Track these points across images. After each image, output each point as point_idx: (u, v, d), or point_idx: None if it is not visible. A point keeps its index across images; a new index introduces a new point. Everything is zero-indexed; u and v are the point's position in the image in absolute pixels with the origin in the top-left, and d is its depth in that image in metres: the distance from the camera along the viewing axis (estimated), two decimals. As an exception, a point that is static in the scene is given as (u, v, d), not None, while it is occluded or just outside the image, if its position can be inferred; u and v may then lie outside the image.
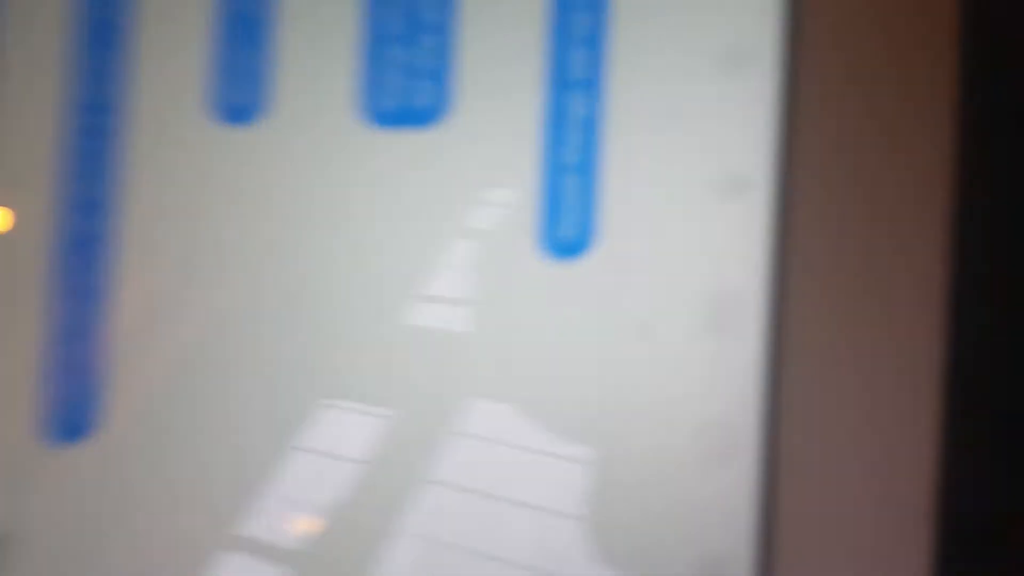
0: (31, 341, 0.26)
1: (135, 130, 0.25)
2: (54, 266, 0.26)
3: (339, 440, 0.24)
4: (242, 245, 0.25)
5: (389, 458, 0.24)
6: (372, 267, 0.24)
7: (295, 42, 0.25)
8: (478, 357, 0.23)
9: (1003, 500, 0.23)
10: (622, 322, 0.23)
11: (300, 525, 0.24)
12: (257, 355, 0.24)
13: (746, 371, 0.22)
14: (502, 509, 0.23)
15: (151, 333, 0.25)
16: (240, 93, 0.25)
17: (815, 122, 0.22)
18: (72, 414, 0.25)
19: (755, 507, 0.22)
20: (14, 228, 0.26)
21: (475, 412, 0.23)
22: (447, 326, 0.24)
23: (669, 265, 0.22)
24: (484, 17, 0.24)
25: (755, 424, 0.22)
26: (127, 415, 0.25)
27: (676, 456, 0.22)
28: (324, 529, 0.24)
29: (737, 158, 0.22)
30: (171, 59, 0.25)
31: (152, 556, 0.25)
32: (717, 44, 0.22)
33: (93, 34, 0.26)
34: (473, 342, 0.23)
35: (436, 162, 0.24)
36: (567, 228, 0.23)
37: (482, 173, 0.24)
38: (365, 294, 0.24)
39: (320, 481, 0.24)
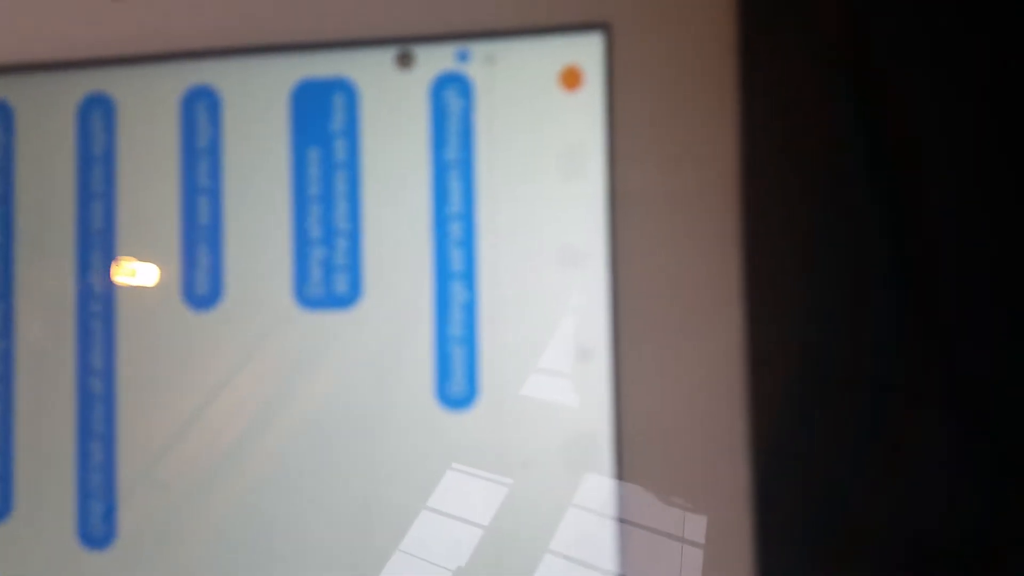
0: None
1: (126, 315, 0.32)
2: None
3: None
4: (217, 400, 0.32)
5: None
6: (320, 426, 0.31)
7: (244, 246, 0.32)
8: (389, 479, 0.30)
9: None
10: (502, 456, 0.30)
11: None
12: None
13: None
14: None
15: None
16: (204, 286, 0.32)
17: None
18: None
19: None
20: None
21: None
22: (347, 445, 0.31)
23: (535, 414, 0.30)
24: (383, 225, 0.31)
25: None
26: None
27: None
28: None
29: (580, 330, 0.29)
30: (153, 260, 0.32)
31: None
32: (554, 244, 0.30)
33: (83, 242, 0.33)
34: (380, 472, 0.30)
35: (355, 335, 0.31)
36: (456, 386, 0.30)
37: (389, 344, 0.31)
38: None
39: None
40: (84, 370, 0.32)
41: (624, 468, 0.29)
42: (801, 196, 0.29)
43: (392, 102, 0.31)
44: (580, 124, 0.30)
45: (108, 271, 0.32)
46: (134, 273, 0.32)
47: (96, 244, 0.32)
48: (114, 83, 0.33)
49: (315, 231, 0.31)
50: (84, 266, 0.32)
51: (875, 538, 0.29)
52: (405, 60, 0.31)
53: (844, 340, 0.29)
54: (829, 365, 0.29)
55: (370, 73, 0.31)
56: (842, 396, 0.29)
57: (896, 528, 0.29)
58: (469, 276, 0.30)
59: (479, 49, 0.31)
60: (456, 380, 0.30)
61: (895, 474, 0.29)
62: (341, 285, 0.31)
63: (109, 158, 0.32)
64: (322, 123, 0.31)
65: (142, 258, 0.32)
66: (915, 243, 0.29)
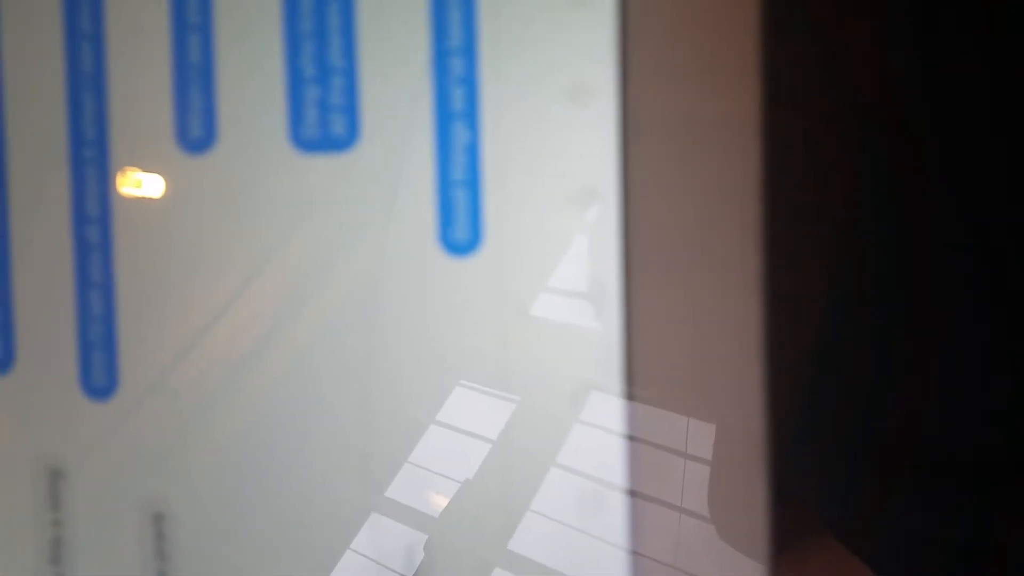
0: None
1: (116, 159, 0.31)
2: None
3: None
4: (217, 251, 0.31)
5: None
6: (319, 273, 0.30)
7: (236, 85, 0.30)
8: (389, 335, 0.30)
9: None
10: (508, 304, 0.29)
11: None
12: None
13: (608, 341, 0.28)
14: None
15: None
16: (197, 127, 0.30)
17: (648, 136, 0.28)
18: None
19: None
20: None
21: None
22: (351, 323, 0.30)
23: (541, 261, 0.28)
24: (382, 64, 0.29)
25: (617, 379, 0.28)
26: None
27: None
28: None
29: (587, 173, 0.28)
30: (143, 101, 0.31)
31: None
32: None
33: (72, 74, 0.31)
34: (389, 325, 0.30)
35: (353, 181, 0.30)
36: (460, 231, 0.29)
37: (389, 188, 0.29)
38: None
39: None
40: (80, 218, 0.31)
41: (632, 318, 0.28)
42: (829, 133, 0.27)
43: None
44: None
45: (100, 116, 0.31)
46: (126, 116, 0.31)
47: (86, 87, 0.31)
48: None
49: (309, 69, 0.30)
50: (76, 110, 0.31)
51: (900, 452, 0.28)
52: None
53: (876, 279, 0.28)
54: (856, 305, 0.28)
55: None
56: (865, 337, 0.28)
57: (918, 437, 0.28)
58: (471, 115, 0.29)
59: None
60: (459, 225, 0.29)
61: (923, 394, 0.28)
62: (338, 127, 0.30)
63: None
64: (313, -49, 0.29)
65: (133, 100, 0.31)
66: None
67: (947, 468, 0.28)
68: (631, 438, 0.28)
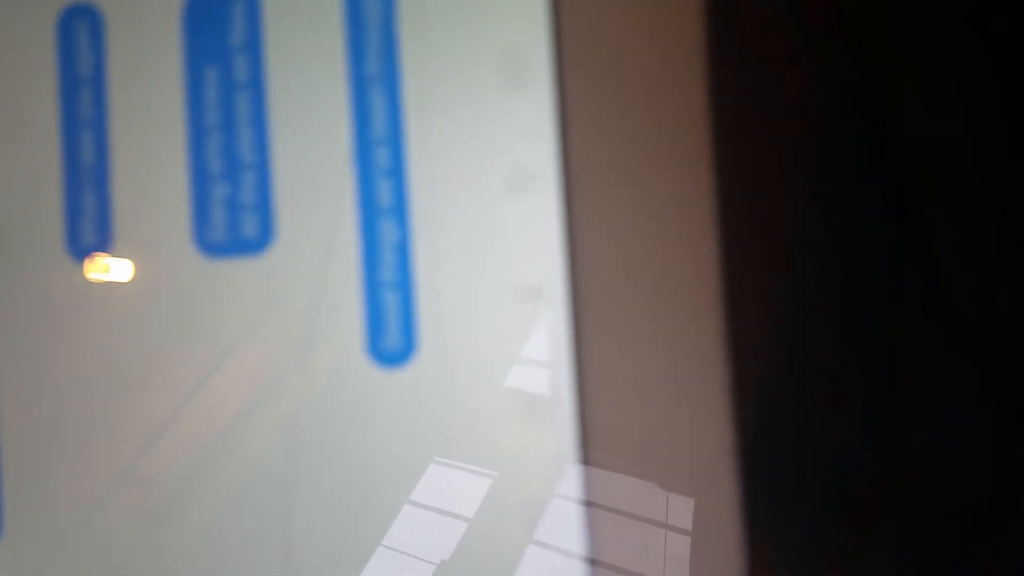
0: None
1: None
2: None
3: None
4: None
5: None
6: (232, 397, 0.26)
7: (134, 186, 0.27)
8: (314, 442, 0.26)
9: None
10: (451, 416, 0.26)
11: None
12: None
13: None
14: None
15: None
16: (90, 232, 0.27)
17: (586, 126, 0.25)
18: None
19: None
20: None
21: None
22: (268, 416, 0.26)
23: (484, 367, 0.25)
24: (297, 155, 0.26)
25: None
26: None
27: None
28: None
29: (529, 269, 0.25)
30: (30, 204, 0.27)
31: None
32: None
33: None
34: (311, 436, 0.26)
35: (267, 285, 0.26)
36: (391, 339, 0.26)
37: (309, 294, 0.26)
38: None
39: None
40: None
41: (587, 427, 0.25)
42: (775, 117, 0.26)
43: (299, 6, 0.26)
44: (522, 23, 0.25)
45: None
46: (11, 221, 0.27)
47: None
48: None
49: (215, 165, 0.27)
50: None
51: (868, 497, 0.26)
52: (314, -42, 0.26)
53: (832, 278, 0.26)
54: (815, 312, 0.26)
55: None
56: (830, 341, 0.26)
57: (891, 487, 0.26)
58: (400, 211, 0.26)
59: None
60: (390, 333, 0.26)
61: (895, 432, 0.26)
62: (249, 227, 0.26)
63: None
64: (219, 37, 0.27)
65: (14, 203, 0.27)
66: (913, 179, 0.26)
67: (913, 515, 0.26)
68: (600, 508, 0.25)
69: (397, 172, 0.26)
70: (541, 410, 0.25)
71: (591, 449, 0.25)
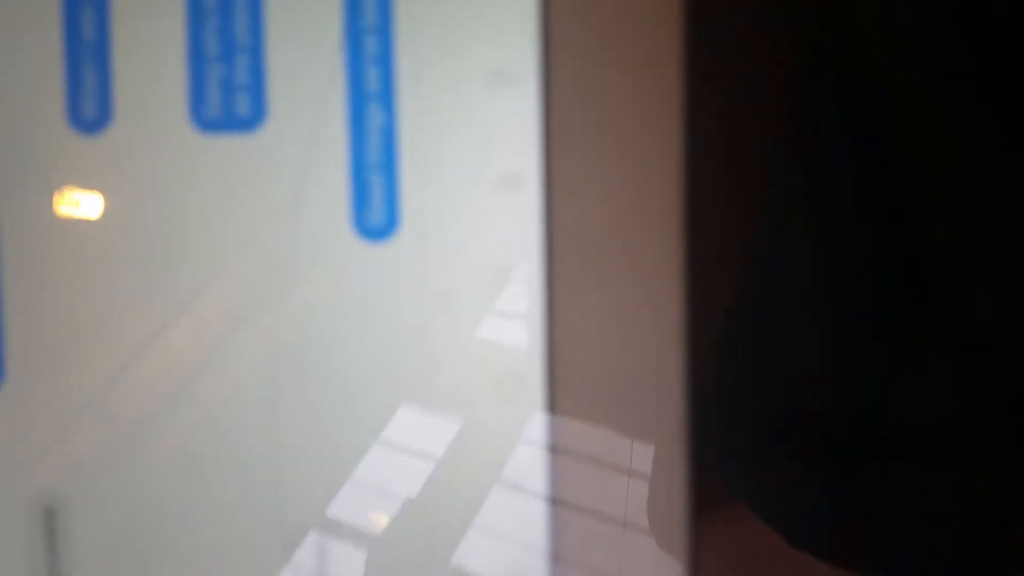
0: None
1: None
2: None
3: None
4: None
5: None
6: (224, 261, 0.29)
7: (133, 62, 0.28)
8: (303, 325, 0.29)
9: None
10: (427, 291, 0.28)
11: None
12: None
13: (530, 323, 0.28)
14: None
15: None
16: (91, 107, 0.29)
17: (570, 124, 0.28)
18: None
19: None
20: None
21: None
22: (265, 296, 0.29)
23: (458, 246, 0.28)
24: (291, 41, 0.28)
25: (539, 368, 0.28)
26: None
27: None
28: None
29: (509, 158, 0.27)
30: (33, 77, 0.29)
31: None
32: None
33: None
34: (299, 316, 0.29)
35: (259, 163, 0.28)
36: (375, 216, 0.28)
37: (299, 171, 0.28)
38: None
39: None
40: None
41: (554, 301, 0.28)
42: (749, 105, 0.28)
43: None
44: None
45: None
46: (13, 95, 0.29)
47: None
48: None
49: (212, 46, 0.28)
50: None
51: (806, 425, 0.29)
52: None
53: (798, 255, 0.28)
54: (779, 280, 0.28)
55: None
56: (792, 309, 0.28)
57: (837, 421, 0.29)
58: (387, 97, 0.28)
59: None
60: (374, 209, 0.28)
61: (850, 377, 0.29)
62: (243, 106, 0.28)
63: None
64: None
65: (17, 75, 0.29)
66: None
67: (852, 439, 0.29)
68: (559, 449, 0.28)
69: (385, 59, 0.28)
70: (509, 294, 0.28)
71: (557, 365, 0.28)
